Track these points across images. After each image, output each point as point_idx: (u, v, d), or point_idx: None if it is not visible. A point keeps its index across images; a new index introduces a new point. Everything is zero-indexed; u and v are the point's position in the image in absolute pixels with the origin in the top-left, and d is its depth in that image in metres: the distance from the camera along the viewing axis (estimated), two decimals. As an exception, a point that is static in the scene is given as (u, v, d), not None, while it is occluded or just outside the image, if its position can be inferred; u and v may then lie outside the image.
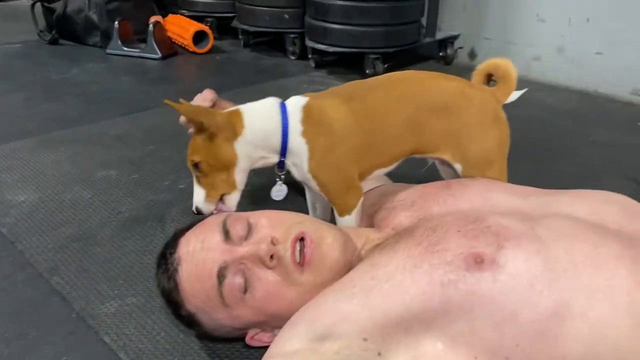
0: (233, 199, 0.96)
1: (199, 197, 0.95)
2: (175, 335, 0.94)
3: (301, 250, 0.81)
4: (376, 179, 1.12)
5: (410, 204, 0.92)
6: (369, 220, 0.99)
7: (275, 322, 0.83)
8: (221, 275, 0.79)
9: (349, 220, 0.96)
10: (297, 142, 0.92)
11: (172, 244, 0.86)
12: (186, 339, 0.93)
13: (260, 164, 0.96)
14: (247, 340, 0.86)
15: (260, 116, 0.94)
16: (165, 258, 0.85)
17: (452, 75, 1.04)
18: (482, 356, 0.67)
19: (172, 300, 0.84)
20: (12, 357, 0.90)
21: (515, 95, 1.05)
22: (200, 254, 0.81)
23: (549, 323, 0.65)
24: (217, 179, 0.94)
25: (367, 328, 0.69)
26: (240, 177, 0.95)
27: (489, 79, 1.06)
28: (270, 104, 0.95)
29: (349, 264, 0.84)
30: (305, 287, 0.80)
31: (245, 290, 0.79)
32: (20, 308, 1.00)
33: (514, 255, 0.69)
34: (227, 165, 0.93)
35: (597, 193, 0.87)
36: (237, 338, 0.88)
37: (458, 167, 1.00)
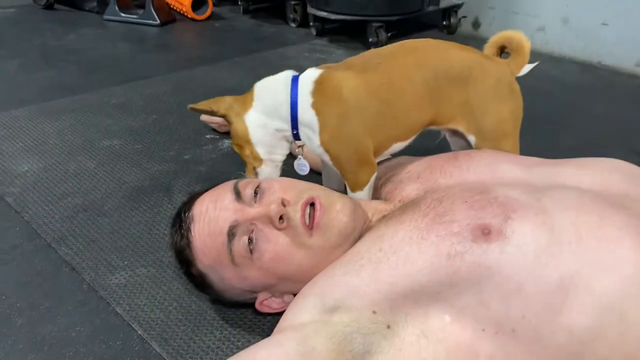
0: (263, 171, 0.99)
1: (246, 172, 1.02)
2: (187, 306, 0.94)
3: (311, 214, 0.81)
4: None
5: (417, 176, 0.92)
6: (376, 192, 0.99)
7: (284, 285, 0.84)
8: (231, 234, 0.80)
9: (360, 196, 0.96)
10: (308, 114, 0.92)
11: (187, 204, 0.88)
12: (198, 309, 0.94)
13: (279, 135, 0.97)
14: (257, 305, 0.87)
15: (269, 88, 0.96)
16: (180, 217, 0.87)
17: (468, 46, 1.03)
18: (489, 328, 0.68)
19: (184, 259, 0.85)
20: (25, 327, 0.90)
21: (527, 68, 1.04)
22: (212, 212, 0.83)
23: (554, 295, 0.66)
24: (244, 155, 0.98)
25: (376, 301, 0.70)
26: (262, 149, 0.97)
27: (502, 50, 1.06)
28: (282, 76, 0.96)
29: (359, 231, 0.85)
30: (314, 250, 0.81)
31: (253, 250, 0.80)
32: (31, 278, 1.01)
33: (521, 226, 0.70)
34: (245, 140, 0.96)
35: (601, 161, 0.87)
36: (247, 304, 0.89)
37: (472, 138, 1.00)
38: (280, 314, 0.77)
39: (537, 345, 0.67)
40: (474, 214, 0.73)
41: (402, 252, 0.72)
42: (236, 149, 0.99)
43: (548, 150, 1.47)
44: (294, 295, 0.83)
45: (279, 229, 0.80)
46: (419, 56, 0.98)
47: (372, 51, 1.02)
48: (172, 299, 0.96)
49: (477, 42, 1.05)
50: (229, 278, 0.83)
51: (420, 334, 0.70)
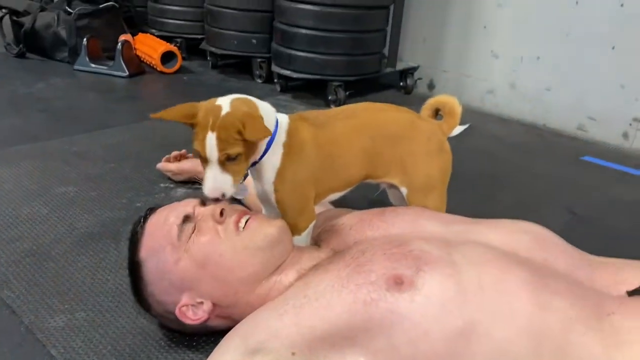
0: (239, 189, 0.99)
1: (225, 183, 0.92)
2: (122, 349, 0.97)
3: (247, 223, 0.92)
4: (322, 205, 1.19)
5: (349, 228, 0.99)
6: (313, 241, 1.05)
7: (206, 284, 0.89)
8: (186, 219, 0.92)
9: (298, 240, 1.02)
10: (278, 152, 0.97)
11: (154, 208, 0.98)
12: (132, 352, 0.96)
13: None
14: (177, 310, 0.90)
15: (267, 114, 0.95)
16: (143, 215, 0.97)
17: (404, 107, 1.13)
18: None
19: (133, 243, 0.94)
20: (-43, 369, 0.92)
21: (459, 129, 1.15)
22: (175, 207, 0.95)
23: (457, 341, 0.72)
24: (244, 167, 0.94)
25: (296, 343, 0.75)
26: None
27: (437, 113, 1.18)
28: (270, 107, 0.98)
29: (284, 252, 0.93)
30: (237, 247, 0.90)
31: (193, 236, 0.90)
32: (-31, 320, 1.02)
33: (431, 278, 0.76)
34: (254, 157, 0.95)
35: (514, 223, 0.95)
36: (171, 329, 0.96)
37: (404, 190, 1.10)
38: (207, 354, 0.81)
39: None
40: (390, 265, 0.80)
41: (323, 299, 0.78)
42: (243, 159, 0.91)
43: (486, 207, 1.57)
44: (213, 304, 0.90)
45: (217, 222, 0.91)
46: (357, 119, 1.07)
47: (320, 111, 1.10)
48: (107, 342, 0.99)
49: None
50: (165, 261, 0.90)
51: None
